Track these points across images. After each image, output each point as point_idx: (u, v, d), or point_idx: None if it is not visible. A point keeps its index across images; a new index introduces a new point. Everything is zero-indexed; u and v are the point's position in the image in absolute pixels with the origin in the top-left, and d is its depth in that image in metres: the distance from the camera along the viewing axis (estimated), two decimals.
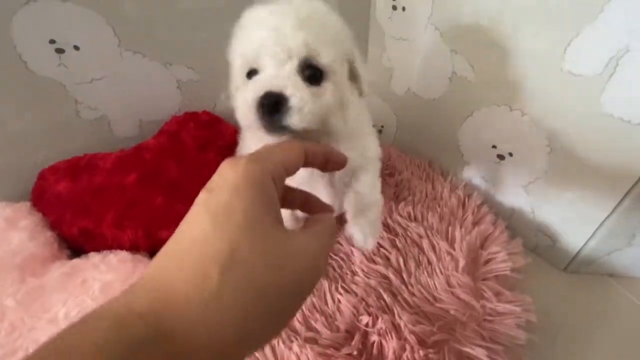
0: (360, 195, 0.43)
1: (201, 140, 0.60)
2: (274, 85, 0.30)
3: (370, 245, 0.41)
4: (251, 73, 0.33)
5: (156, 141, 0.59)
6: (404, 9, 0.63)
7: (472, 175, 0.65)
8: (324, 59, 0.32)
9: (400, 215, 0.57)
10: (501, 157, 0.58)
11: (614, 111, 0.42)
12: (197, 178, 0.55)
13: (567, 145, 0.48)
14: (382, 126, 0.82)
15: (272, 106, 0.30)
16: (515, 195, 0.59)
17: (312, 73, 0.32)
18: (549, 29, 0.44)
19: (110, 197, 0.50)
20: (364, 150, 0.44)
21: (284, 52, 0.31)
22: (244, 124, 0.32)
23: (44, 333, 0.37)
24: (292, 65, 0.31)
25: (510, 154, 0.57)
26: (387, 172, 0.69)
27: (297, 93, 0.30)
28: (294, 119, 0.30)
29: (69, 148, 0.58)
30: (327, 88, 0.33)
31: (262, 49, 0.32)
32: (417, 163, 0.70)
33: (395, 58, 0.70)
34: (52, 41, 0.51)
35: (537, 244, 0.59)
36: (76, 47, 0.53)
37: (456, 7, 0.54)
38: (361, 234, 0.40)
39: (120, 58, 0.57)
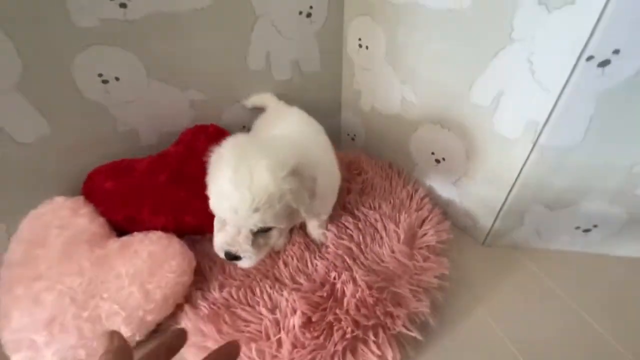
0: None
1: (211, 147, 0.77)
2: (232, 248, 0.49)
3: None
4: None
5: (176, 150, 0.76)
6: (367, 47, 0.82)
7: (420, 174, 0.85)
8: (271, 224, 0.48)
9: (363, 206, 0.77)
10: (438, 161, 0.78)
11: (500, 130, 0.62)
12: None
13: (478, 154, 0.69)
14: (355, 135, 1.01)
15: (231, 259, 0.50)
16: (448, 189, 0.79)
17: (262, 229, 0.49)
18: (458, 70, 0.64)
19: (147, 192, 0.68)
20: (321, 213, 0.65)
21: (242, 225, 0.48)
22: None
23: (112, 284, 0.55)
24: (245, 231, 0.48)
25: (444, 159, 0.77)
26: (356, 172, 0.88)
27: (246, 254, 0.49)
28: (245, 265, 0.52)
29: (107, 153, 0.75)
30: (273, 232, 0.51)
31: (226, 218, 0.48)
32: (380, 165, 0.90)
33: (362, 83, 0.89)
34: (100, 74, 0.68)
35: (465, 225, 0.80)
36: (117, 78, 0.70)
37: (403, 50, 0.73)
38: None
39: (148, 85, 0.74)
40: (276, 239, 0.53)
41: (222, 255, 0.51)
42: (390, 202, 0.77)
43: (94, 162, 0.73)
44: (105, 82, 0.69)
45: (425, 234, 0.69)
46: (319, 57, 0.89)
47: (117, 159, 0.74)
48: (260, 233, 0.50)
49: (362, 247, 0.67)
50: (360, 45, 0.84)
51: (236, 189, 0.44)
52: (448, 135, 0.72)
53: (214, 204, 0.48)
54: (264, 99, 0.86)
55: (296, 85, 0.90)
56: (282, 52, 0.84)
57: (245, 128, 0.91)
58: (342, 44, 0.89)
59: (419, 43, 0.69)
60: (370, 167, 0.89)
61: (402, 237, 0.67)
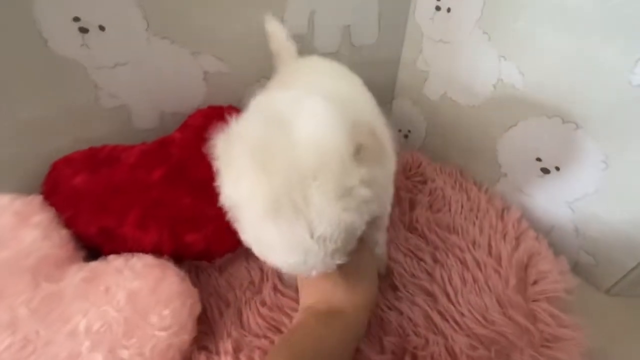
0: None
1: None
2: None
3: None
4: None
5: (182, 135, 0.54)
6: (449, 10, 0.60)
7: (509, 186, 0.63)
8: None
9: (438, 226, 0.54)
10: (546, 170, 0.56)
11: None
12: None
13: (627, 164, 0.46)
14: (409, 131, 0.79)
15: None
16: (557, 211, 0.57)
17: None
18: (619, 38, 0.42)
19: (134, 194, 0.46)
20: (385, 203, 0.41)
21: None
22: None
23: (62, 348, 0.33)
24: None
25: (557, 168, 0.54)
26: (419, 179, 0.66)
27: None
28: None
29: (84, 137, 0.53)
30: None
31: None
32: (448, 171, 0.67)
33: (432, 61, 0.67)
34: (77, 19, 0.47)
35: (577, 262, 0.57)
36: (101, 27, 0.49)
37: (511, 11, 0.51)
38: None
39: (147, 43, 0.52)
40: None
41: None
42: (474, 224, 0.55)
43: (64, 149, 0.51)
44: (83, 30, 0.48)
45: (541, 278, 0.46)
46: (377, 24, 0.67)
47: (98, 144, 0.53)
48: None
49: (450, 291, 0.45)
50: (438, 8, 0.62)
51: (290, 241, 0.28)
52: (575, 134, 0.50)
53: (259, 253, 0.31)
54: (284, 47, 0.54)
55: (342, 59, 0.69)
56: (330, 13, 0.63)
57: None
58: (409, 4, 0.67)
59: None
60: (436, 173, 0.67)
61: (511, 281, 0.45)
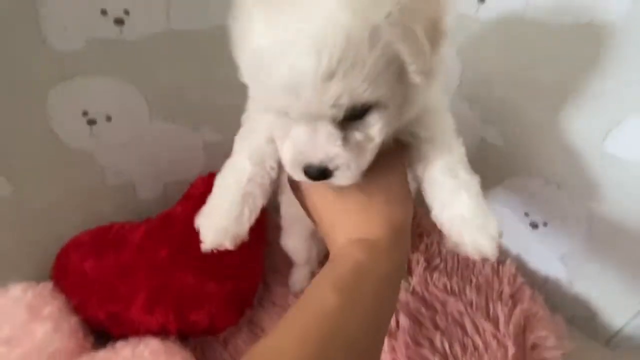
0: (440, 185, 0.32)
1: None
2: (314, 158, 0.27)
3: (488, 247, 0.30)
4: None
5: (184, 209, 0.57)
6: None
7: (503, 238, 0.64)
8: (367, 97, 0.25)
9: (437, 287, 0.56)
10: (534, 225, 0.58)
11: None
12: (229, 252, 0.53)
13: (609, 225, 0.48)
14: None
15: (318, 176, 0.28)
16: (550, 265, 0.58)
17: (353, 111, 0.25)
18: (592, 112, 0.45)
19: (141, 276, 0.48)
20: (432, 125, 0.33)
21: (314, 112, 0.25)
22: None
23: None
24: (325, 125, 0.26)
25: (545, 224, 0.56)
26: (416, 232, 0.68)
27: (339, 162, 0.27)
28: (343, 181, 0.29)
29: (91, 215, 0.56)
30: (372, 116, 0.27)
31: (282, 108, 0.26)
32: None
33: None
34: (85, 113, 0.51)
35: (574, 315, 0.58)
36: (108, 118, 0.52)
37: (487, 80, 0.55)
38: (467, 239, 0.30)
39: (150, 125, 0.56)
40: (381, 127, 0.27)
41: (300, 176, 0.29)
42: (471, 282, 0.57)
43: (73, 228, 0.53)
44: (91, 122, 0.51)
45: (539, 344, 0.47)
46: None
47: (105, 221, 0.55)
48: (352, 122, 0.27)
49: None
50: None
51: (283, 45, 0.23)
52: (558, 194, 0.52)
53: (253, 89, 0.29)
54: None
55: None
56: None
57: None
58: None
59: (518, 69, 0.50)
60: (431, 225, 0.69)
61: (510, 349, 0.46)
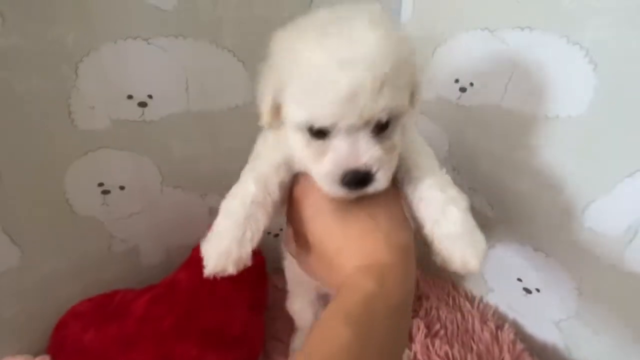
0: (429, 200, 0.35)
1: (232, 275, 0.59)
2: (358, 163, 0.30)
3: (474, 264, 0.32)
4: (313, 129, 0.31)
5: (188, 276, 0.57)
6: None
7: (498, 301, 0.66)
8: (400, 110, 0.31)
9: (439, 356, 0.56)
10: (528, 290, 0.60)
11: (638, 269, 0.46)
12: (231, 322, 0.53)
13: (597, 293, 0.51)
14: None
15: (357, 183, 0.31)
16: (546, 330, 0.59)
17: (380, 123, 0.31)
18: (568, 191, 0.49)
19: (143, 349, 0.47)
20: (412, 146, 0.37)
21: (361, 119, 0.30)
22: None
23: None
24: (368, 130, 0.30)
25: (538, 290, 0.59)
26: (415, 295, 0.69)
27: (381, 168, 0.31)
28: (378, 187, 0.31)
29: (94, 282, 0.56)
30: (395, 133, 0.32)
31: (336, 117, 0.29)
32: (441, 285, 0.71)
33: None
34: (101, 184, 0.53)
35: None
36: (121, 187, 0.55)
37: (472, 155, 0.61)
38: (456, 256, 0.33)
39: (161, 193, 0.59)
40: (399, 138, 0.33)
41: (336, 189, 0.31)
42: (472, 350, 0.57)
43: (75, 295, 0.53)
44: (105, 192, 0.54)
45: None
46: None
47: (107, 287, 0.55)
48: (378, 135, 0.31)
49: None
50: None
51: (342, 63, 0.28)
52: (546, 261, 0.55)
53: (303, 106, 0.31)
54: None
55: None
56: None
57: (271, 234, 0.75)
58: None
59: (500, 150, 0.56)
60: (430, 289, 0.71)
61: None
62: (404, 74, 0.31)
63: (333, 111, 0.29)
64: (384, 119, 0.30)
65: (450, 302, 0.67)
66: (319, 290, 0.53)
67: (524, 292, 0.61)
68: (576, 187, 0.49)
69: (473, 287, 0.68)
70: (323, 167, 0.31)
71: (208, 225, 0.66)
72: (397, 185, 0.37)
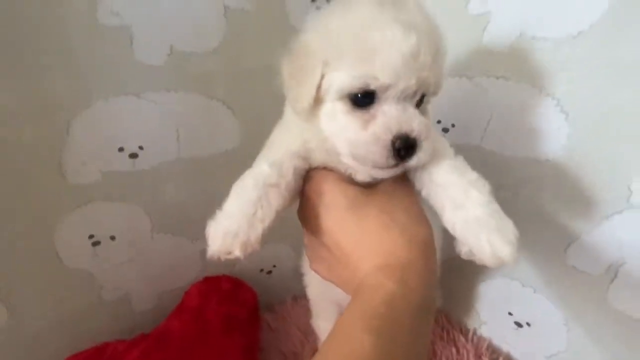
0: (447, 185, 0.32)
1: (225, 318, 0.59)
2: (410, 128, 0.30)
3: (507, 253, 0.29)
4: (359, 96, 0.31)
5: (179, 323, 0.57)
6: None
7: (491, 334, 0.67)
8: (438, 87, 0.33)
9: None
10: (519, 324, 0.61)
11: (622, 308, 0.47)
12: None
13: (585, 329, 0.52)
14: None
15: (407, 149, 0.30)
16: None
17: (423, 95, 0.32)
18: (550, 230, 0.51)
19: None
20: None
21: (417, 83, 0.30)
22: (357, 157, 0.32)
23: None
24: (413, 101, 0.31)
25: (529, 324, 0.59)
26: None
27: (428, 136, 0.30)
28: (421, 159, 0.31)
29: (85, 332, 0.56)
30: (428, 110, 0.34)
31: (395, 77, 0.29)
32: (435, 318, 0.71)
33: None
34: (91, 236, 0.53)
35: None
36: (112, 238, 0.55)
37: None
38: (485, 242, 0.29)
39: (152, 240, 0.59)
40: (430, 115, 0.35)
41: (388, 149, 0.30)
42: None
43: (66, 348, 0.52)
44: (95, 244, 0.54)
45: None
46: None
47: (99, 336, 0.55)
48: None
49: None
50: None
51: (399, 34, 0.29)
52: (535, 297, 0.56)
53: (359, 69, 0.30)
54: None
55: None
56: None
57: (263, 271, 0.75)
58: None
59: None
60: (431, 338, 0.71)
61: None
62: (444, 56, 0.32)
63: (396, 69, 0.29)
64: (430, 89, 0.32)
65: (445, 336, 0.67)
66: (342, 304, 0.49)
67: (516, 326, 0.61)
68: (557, 226, 0.50)
69: (467, 320, 0.69)
70: (370, 133, 0.30)
71: (199, 269, 0.67)
72: (410, 178, 0.35)
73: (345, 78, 0.31)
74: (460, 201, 0.31)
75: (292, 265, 0.71)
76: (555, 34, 0.44)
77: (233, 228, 0.30)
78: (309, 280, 0.54)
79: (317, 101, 0.33)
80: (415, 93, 0.31)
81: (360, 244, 0.31)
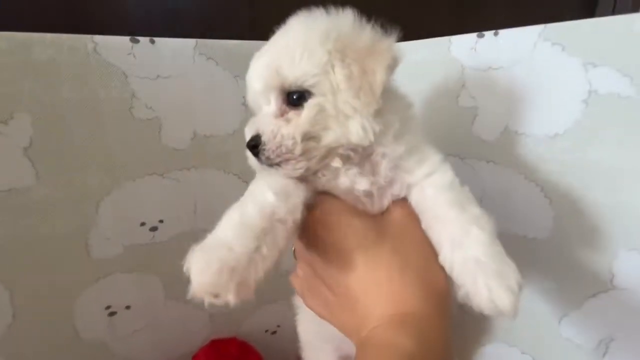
0: (446, 220, 0.29)
1: None
2: (252, 128, 0.32)
3: (506, 302, 0.25)
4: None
5: None
6: None
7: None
8: (298, 80, 0.30)
9: None
10: None
11: None
12: None
13: None
14: None
15: (252, 148, 0.31)
16: None
17: (296, 97, 0.31)
18: (542, 303, 0.55)
19: None
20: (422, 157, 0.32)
21: (261, 96, 0.33)
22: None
23: None
24: (274, 103, 0.32)
25: None
26: None
27: (264, 130, 0.30)
28: (265, 155, 0.30)
29: None
30: (306, 107, 0.30)
31: (251, 89, 0.34)
32: None
33: None
34: (108, 307, 0.55)
35: None
36: (127, 307, 0.57)
37: None
38: (482, 286, 0.25)
39: (164, 307, 0.61)
40: (311, 116, 0.29)
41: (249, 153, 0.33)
42: None
43: None
44: (112, 314, 0.56)
45: None
46: None
47: None
48: (295, 102, 0.31)
49: None
50: None
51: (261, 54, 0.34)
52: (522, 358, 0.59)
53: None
54: None
55: None
56: None
57: (268, 332, 0.76)
58: None
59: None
60: None
61: None
62: (301, 51, 0.30)
63: (250, 96, 0.37)
64: (288, 87, 0.33)
65: None
66: (341, 351, 0.44)
67: None
68: (550, 299, 0.54)
69: None
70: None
71: (207, 331, 0.68)
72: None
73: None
74: (459, 239, 0.28)
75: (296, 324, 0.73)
76: (535, 132, 0.50)
77: (229, 262, 0.24)
78: (301, 319, 0.48)
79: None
80: (273, 97, 0.32)
81: (370, 290, 0.28)
